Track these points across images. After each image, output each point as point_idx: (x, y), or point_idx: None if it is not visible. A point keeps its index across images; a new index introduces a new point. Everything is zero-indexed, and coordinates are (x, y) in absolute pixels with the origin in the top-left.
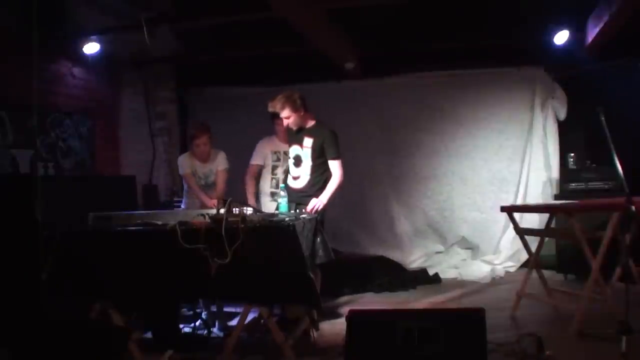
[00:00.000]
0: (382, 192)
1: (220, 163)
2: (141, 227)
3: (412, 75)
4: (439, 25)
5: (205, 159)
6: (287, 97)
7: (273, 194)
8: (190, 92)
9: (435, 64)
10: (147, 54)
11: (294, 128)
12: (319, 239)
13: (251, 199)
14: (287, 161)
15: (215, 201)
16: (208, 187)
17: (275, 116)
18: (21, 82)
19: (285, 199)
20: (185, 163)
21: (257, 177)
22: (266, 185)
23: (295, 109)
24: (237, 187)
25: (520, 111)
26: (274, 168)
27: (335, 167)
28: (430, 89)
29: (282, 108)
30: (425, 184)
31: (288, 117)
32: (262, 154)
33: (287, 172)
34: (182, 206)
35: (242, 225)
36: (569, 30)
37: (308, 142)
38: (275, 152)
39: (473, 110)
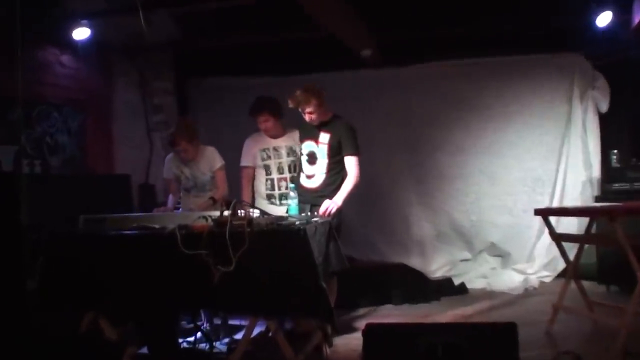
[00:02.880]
0: (402, 193)
1: (213, 161)
2: (137, 231)
3: (436, 64)
4: (465, 7)
5: (190, 159)
6: (311, 90)
7: (270, 197)
8: (191, 83)
9: (461, 51)
10: (143, 41)
11: (316, 122)
12: (332, 245)
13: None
14: (278, 156)
15: (208, 202)
16: (199, 188)
17: (256, 115)
18: (3, 70)
19: (296, 200)
20: (168, 165)
21: (254, 180)
22: (261, 187)
23: (320, 103)
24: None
25: (556, 103)
26: (267, 168)
27: (351, 164)
28: (456, 79)
29: (307, 102)
30: (451, 184)
31: (312, 112)
32: (251, 155)
33: (299, 170)
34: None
35: (248, 229)
36: (613, 11)
37: (324, 137)
38: (263, 150)
39: (504, 102)
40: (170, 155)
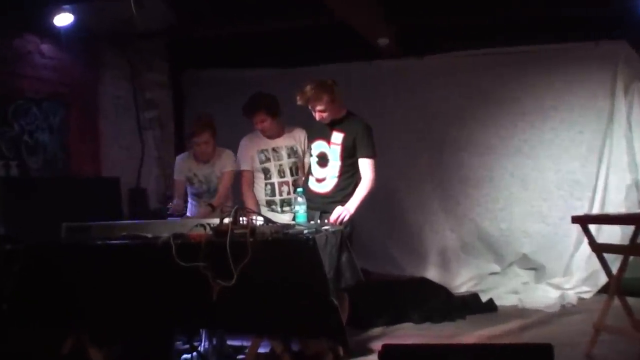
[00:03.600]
0: (423, 198)
1: (226, 164)
2: (127, 241)
3: (461, 54)
4: None
5: (207, 159)
6: (322, 85)
7: (270, 203)
8: (187, 75)
9: (489, 40)
10: (134, 28)
11: (327, 121)
12: (345, 256)
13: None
14: (278, 158)
15: (206, 209)
16: (212, 193)
17: (251, 115)
18: None
19: (304, 207)
20: (180, 165)
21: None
22: (260, 193)
23: (333, 99)
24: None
25: (597, 97)
26: (266, 171)
27: (366, 167)
28: (483, 71)
29: (318, 99)
30: (478, 189)
31: (324, 109)
32: (248, 157)
33: (308, 172)
34: (188, 214)
35: (251, 239)
36: None
37: (337, 137)
38: (262, 151)
39: (537, 97)
40: (182, 155)
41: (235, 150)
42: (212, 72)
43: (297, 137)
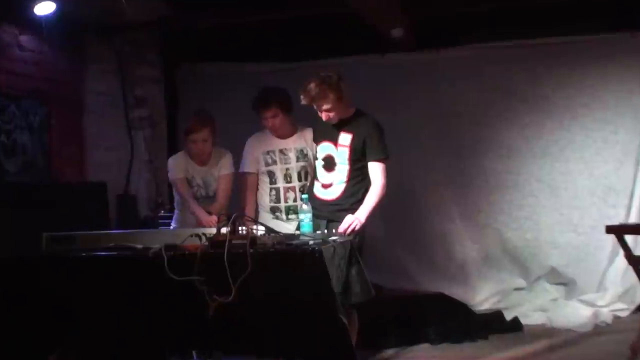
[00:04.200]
0: (440, 205)
1: (223, 166)
2: (114, 253)
3: (482, 46)
4: None
5: (204, 160)
6: (328, 81)
7: (274, 210)
8: (182, 70)
9: (513, 31)
10: (123, 18)
11: (335, 121)
12: (354, 269)
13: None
14: (286, 161)
15: (214, 217)
16: (209, 199)
17: (262, 110)
18: None
19: (310, 215)
20: (177, 165)
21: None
22: (264, 198)
23: (340, 97)
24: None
25: (633, 94)
26: (271, 175)
27: (377, 171)
28: (507, 65)
29: (324, 98)
30: (501, 195)
31: (330, 109)
32: (253, 159)
33: (313, 177)
34: (173, 224)
35: (251, 251)
36: None
37: (345, 138)
38: (268, 153)
39: (567, 94)
40: (175, 156)
41: (235, 153)
42: (210, 67)
43: (308, 139)
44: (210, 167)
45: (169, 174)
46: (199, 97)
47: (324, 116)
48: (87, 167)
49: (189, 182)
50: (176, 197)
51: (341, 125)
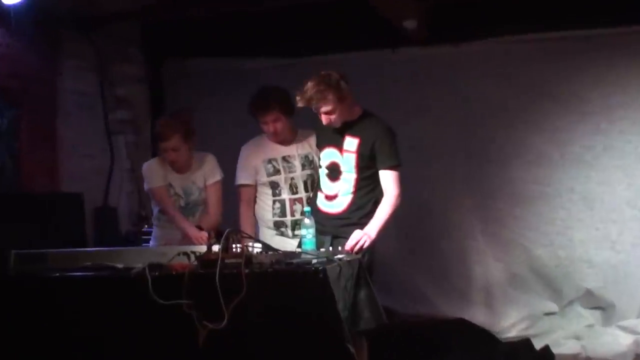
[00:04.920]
0: (461, 219)
1: (210, 173)
2: (91, 273)
3: (507, 40)
4: None
5: (182, 168)
6: (326, 80)
7: (279, 225)
8: (169, 67)
9: (541, 22)
10: (102, 8)
11: (337, 124)
12: (363, 292)
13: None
14: (290, 169)
15: (204, 233)
16: (190, 210)
17: (262, 113)
18: None
19: (312, 230)
20: (154, 172)
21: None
22: (266, 212)
23: (341, 98)
24: (233, 212)
25: None
26: (275, 186)
27: (389, 180)
28: (533, 61)
29: (322, 99)
30: (528, 207)
31: (331, 111)
32: (251, 168)
33: (316, 187)
34: (152, 242)
35: (247, 271)
36: None
37: (351, 143)
38: (269, 161)
39: (604, 92)
40: (151, 162)
41: (231, 160)
42: (201, 63)
43: (313, 144)
44: (191, 174)
45: (145, 184)
46: (188, 97)
47: (324, 119)
48: (61, 176)
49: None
50: (154, 211)
51: (346, 129)
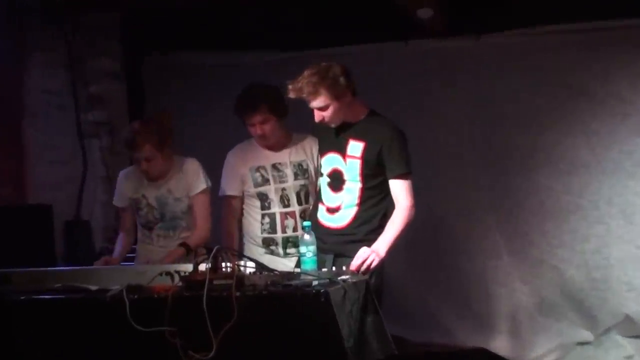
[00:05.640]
0: (481, 235)
1: (193, 181)
2: (61, 296)
3: (535, 31)
4: None
5: (157, 175)
6: (321, 74)
7: (268, 243)
8: (150, 62)
9: (575, 11)
10: None
11: (334, 125)
12: (371, 318)
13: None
14: (281, 179)
15: (179, 251)
16: (169, 224)
17: (248, 114)
18: None
19: (313, 248)
20: (122, 185)
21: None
22: (253, 228)
23: (337, 94)
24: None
25: None
26: (263, 197)
27: (401, 190)
28: (567, 55)
29: (313, 93)
30: (561, 222)
31: (324, 107)
32: (237, 177)
33: (317, 199)
34: (135, 260)
35: (238, 294)
36: None
37: (355, 148)
38: (257, 169)
39: None
40: (125, 171)
41: (218, 167)
42: (187, 57)
43: (308, 150)
44: (166, 182)
45: (114, 197)
46: (172, 95)
47: (316, 116)
48: (28, 186)
49: (138, 203)
50: (138, 224)
51: (350, 132)
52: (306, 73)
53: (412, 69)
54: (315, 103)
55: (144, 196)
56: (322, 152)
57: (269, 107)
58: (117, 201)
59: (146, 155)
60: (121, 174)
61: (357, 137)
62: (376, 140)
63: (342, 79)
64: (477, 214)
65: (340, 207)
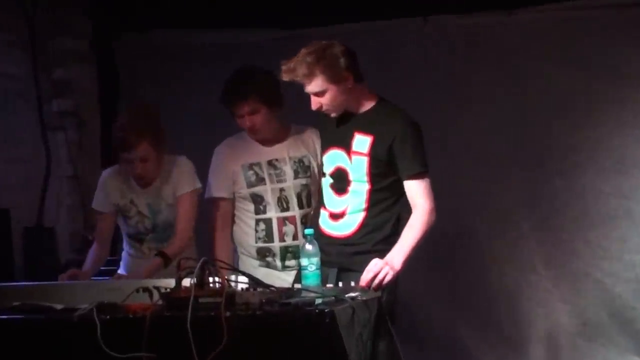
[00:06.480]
0: (513, 244)
1: (180, 181)
2: (20, 316)
3: (573, 5)
4: None
5: (149, 179)
6: (318, 54)
7: (263, 253)
8: (125, 42)
9: None
10: None
11: (334, 114)
12: (384, 343)
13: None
14: (279, 178)
15: (154, 261)
16: (161, 235)
17: (235, 103)
18: None
19: (316, 260)
20: (107, 187)
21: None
22: (247, 236)
23: (335, 77)
24: (207, 234)
25: None
26: (258, 200)
27: (418, 192)
28: (614, 35)
29: (308, 76)
30: (608, 230)
31: (320, 92)
32: (227, 176)
33: (318, 203)
34: (120, 270)
35: (228, 314)
36: None
37: (362, 143)
38: (251, 167)
39: None
40: (110, 171)
41: (203, 164)
42: (167, 36)
43: (310, 143)
44: (158, 186)
45: (94, 201)
46: (150, 81)
47: (312, 102)
48: None
49: (126, 211)
50: (125, 235)
51: (356, 124)
52: (302, 52)
53: (432, 49)
54: (310, 87)
55: (132, 202)
56: (324, 148)
57: (259, 96)
58: (99, 206)
59: (141, 155)
60: (105, 173)
61: (364, 130)
62: (386, 134)
63: (342, 61)
64: (508, 220)
65: (345, 213)
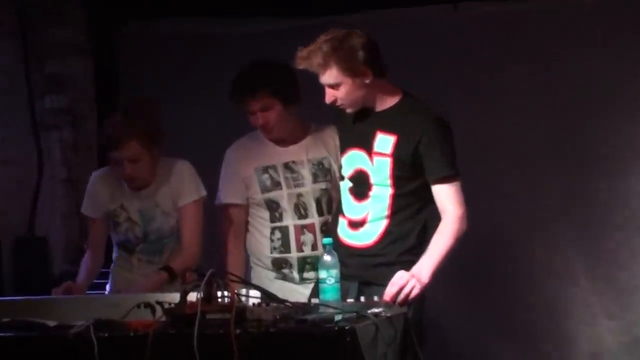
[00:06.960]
0: (554, 256)
1: (183, 189)
2: (10, 334)
3: None
4: None
5: (143, 182)
6: (334, 43)
7: (279, 265)
8: (124, 33)
9: None
10: None
11: (350, 110)
12: None
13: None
14: (296, 182)
15: (159, 276)
16: (154, 245)
17: (245, 99)
18: None
19: (335, 272)
20: (97, 190)
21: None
22: (261, 246)
23: (352, 70)
24: (215, 245)
25: None
26: (273, 206)
27: (447, 197)
28: None
29: (322, 66)
30: None
31: (335, 85)
32: (239, 180)
33: (336, 210)
34: (108, 287)
35: (238, 331)
36: None
37: (385, 143)
38: (265, 169)
39: None
40: (100, 173)
41: (211, 168)
42: (170, 27)
43: (331, 143)
44: (153, 192)
45: (83, 206)
46: (152, 75)
47: (327, 95)
48: None
49: (115, 216)
50: (115, 243)
51: (378, 122)
52: (320, 39)
53: (461, 38)
54: (324, 78)
55: (123, 207)
56: (343, 148)
57: (271, 90)
58: (88, 210)
59: (130, 154)
60: (95, 175)
61: (387, 129)
62: (412, 133)
63: (360, 54)
64: (547, 228)
65: (366, 220)
